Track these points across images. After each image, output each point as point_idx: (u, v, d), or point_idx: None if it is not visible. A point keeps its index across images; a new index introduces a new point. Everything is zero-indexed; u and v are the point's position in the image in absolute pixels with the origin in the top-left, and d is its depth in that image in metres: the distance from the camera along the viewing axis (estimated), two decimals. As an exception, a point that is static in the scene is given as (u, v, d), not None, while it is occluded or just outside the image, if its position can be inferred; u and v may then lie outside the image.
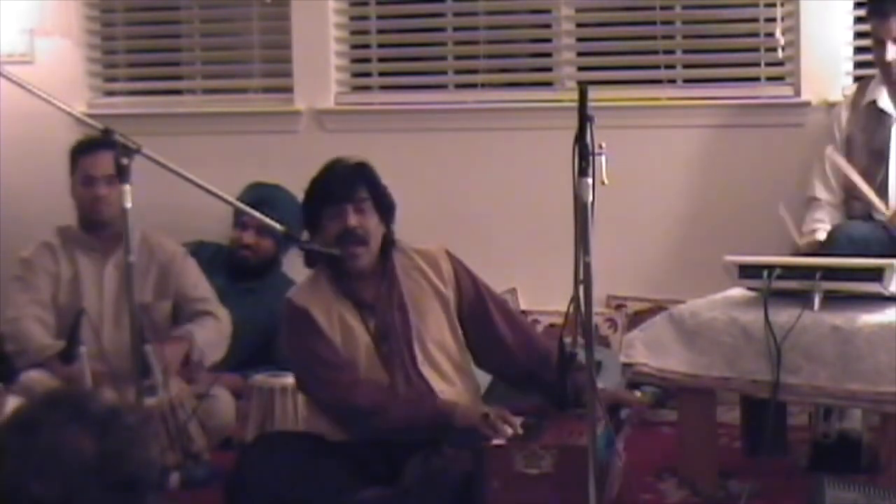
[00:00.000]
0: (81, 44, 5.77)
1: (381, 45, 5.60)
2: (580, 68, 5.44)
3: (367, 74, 5.65)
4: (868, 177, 4.51)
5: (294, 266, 4.94)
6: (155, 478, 1.80)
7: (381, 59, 5.62)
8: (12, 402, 3.71)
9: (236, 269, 5.11)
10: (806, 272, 3.77)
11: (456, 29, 5.53)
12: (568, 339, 3.34)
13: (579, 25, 5.44)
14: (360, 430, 3.58)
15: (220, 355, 4.47)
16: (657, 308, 4.76)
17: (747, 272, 3.87)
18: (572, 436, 3.39)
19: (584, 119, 2.96)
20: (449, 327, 3.72)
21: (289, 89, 5.60)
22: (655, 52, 5.32)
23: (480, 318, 3.75)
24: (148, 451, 1.81)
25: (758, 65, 5.21)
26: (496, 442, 3.41)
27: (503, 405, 3.64)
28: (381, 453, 3.55)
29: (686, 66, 5.30)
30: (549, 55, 5.52)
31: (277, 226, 3.67)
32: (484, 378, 4.01)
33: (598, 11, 5.41)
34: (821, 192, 4.60)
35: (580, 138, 2.96)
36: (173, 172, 3.50)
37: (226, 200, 3.72)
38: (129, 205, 3.39)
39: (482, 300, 3.77)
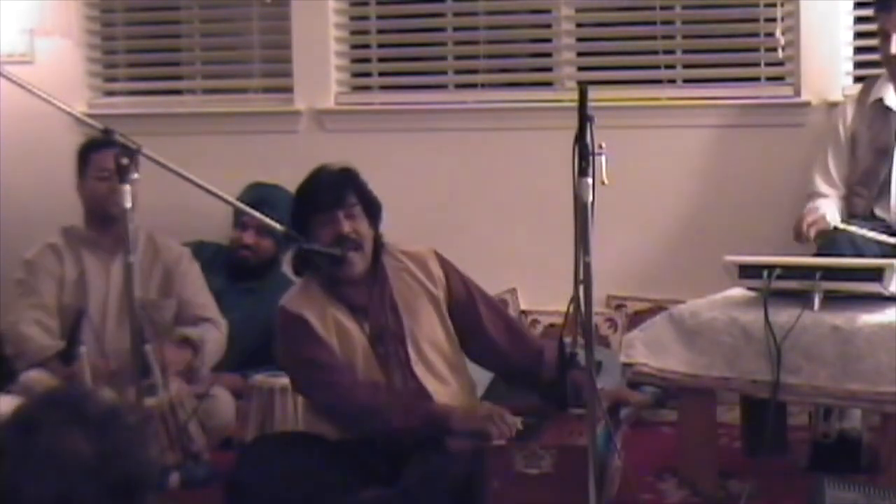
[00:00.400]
0: (81, 44, 5.77)
1: (381, 45, 5.60)
2: (580, 68, 5.44)
3: (367, 74, 5.65)
4: (872, 175, 4.51)
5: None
6: (154, 478, 1.79)
7: (381, 59, 5.62)
8: (7, 402, 3.71)
9: (236, 269, 5.11)
10: (806, 272, 3.77)
11: (456, 29, 5.53)
12: (568, 339, 3.35)
13: (579, 25, 5.44)
14: (360, 431, 3.58)
15: (215, 362, 4.47)
16: (657, 308, 4.76)
17: (747, 272, 3.87)
18: (572, 436, 3.39)
19: (584, 119, 2.96)
20: (441, 326, 3.72)
21: (289, 89, 5.60)
22: (655, 52, 5.32)
23: (471, 318, 3.75)
24: (147, 451, 1.80)
25: (758, 65, 5.21)
26: (496, 442, 3.41)
27: (503, 405, 3.64)
28: (381, 453, 3.55)
29: (686, 66, 5.30)
30: (549, 55, 5.52)
31: (277, 226, 3.67)
32: (484, 377, 4.01)
33: (598, 11, 5.41)
34: (822, 187, 4.59)
35: (580, 138, 2.96)
36: (173, 172, 3.50)
37: (226, 200, 3.71)
38: (129, 205, 3.39)
39: (472, 300, 3.77)
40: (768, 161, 5.06)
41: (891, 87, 4.53)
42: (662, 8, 5.26)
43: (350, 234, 3.63)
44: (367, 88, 5.65)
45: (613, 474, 3.50)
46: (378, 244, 3.73)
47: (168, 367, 4.09)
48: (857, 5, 5.00)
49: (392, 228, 3.82)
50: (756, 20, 5.18)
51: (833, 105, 4.89)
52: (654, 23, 5.29)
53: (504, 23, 5.51)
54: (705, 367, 3.83)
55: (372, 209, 3.72)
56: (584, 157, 2.95)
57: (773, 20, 5.14)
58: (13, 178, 5.65)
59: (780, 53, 5.14)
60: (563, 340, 3.37)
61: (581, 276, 2.98)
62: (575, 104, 2.99)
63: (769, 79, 5.20)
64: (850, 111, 4.64)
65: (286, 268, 5.14)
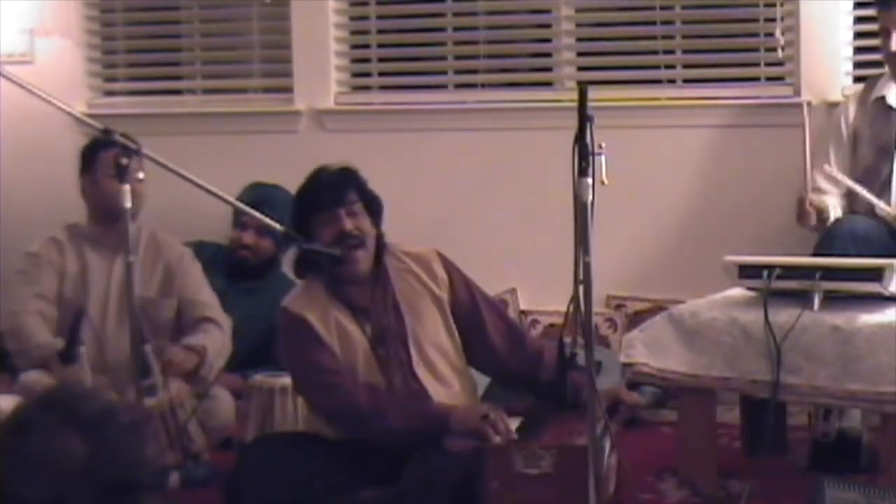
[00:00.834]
0: (81, 44, 5.77)
1: (381, 45, 5.61)
2: (580, 68, 5.45)
3: (367, 74, 5.66)
4: (874, 173, 4.52)
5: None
6: (149, 478, 1.79)
7: (381, 59, 5.62)
8: (7, 402, 3.71)
9: (236, 269, 5.11)
10: (806, 272, 3.77)
11: (456, 29, 5.53)
12: (568, 339, 3.34)
13: (579, 25, 5.45)
14: (359, 434, 3.57)
15: (222, 364, 4.46)
16: (657, 308, 4.76)
17: (747, 272, 3.87)
18: (572, 436, 3.38)
19: (584, 119, 2.96)
20: (445, 328, 3.71)
21: (289, 89, 5.60)
22: (655, 52, 5.32)
23: (473, 321, 3.74)
24: (141, 451, 1.80)
25: (758, 65, 5.22)
26: (495, 442, 3.41)
27: (502, 405, 3.64)
28: (381, 453, 3.54)
29: (686, 66, 5.31)
30: (549, 55, 5.53)
31: (277, 226, 3.67)
32: (483, 378, 4.01)
33: (598, 11, 5.42)
34: (823, 183, 4.59)
35: (580, 138, 2.96)
36: (173, 172, 3.50)
37: (226, 200, 3.71)
38: (129, 205, 3.39)
39: (475, 303, 3.75)
40: (768, 161, 5.05)
41: (892, 86, 4.54)
42: (662, 8, 5.27)
43: (353, 232, 3.62)
44: (367, 88, 5.65)
45: (608, 473, 3.49)
46: (380, 244, 3.72)
47: (172, 368, 4.08)
48: (857, 5, 5.00)
49: (392, 228, 3.81)
50: (756, 20, 5.18)
51: (833, 105, 4.89)
52: (654, 23, 5.29)
53: (504, 23, 5.52)
54: (705, 367, 3.83)
55: (373, 207, 3.71)
56: (584, 157, 2.95)
57: (773, 20, 5.14)
58: (13, 178, 5.65)
59: (779, 53, 5.15)
60: (563, 340, 3.37)
61: (581, 276, 2.98)
62: (575, 104, 2.99)
63: (769, 79, 5.20)
64: (852, 109, 4.64)
65: (286, 268, 5.15)
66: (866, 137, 4.57)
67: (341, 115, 5.56)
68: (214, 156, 5.36)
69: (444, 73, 5.55)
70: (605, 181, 2.97)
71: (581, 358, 3.16)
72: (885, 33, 4.47)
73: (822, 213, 4.43)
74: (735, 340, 3.78)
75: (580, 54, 5.47)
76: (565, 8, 5.39)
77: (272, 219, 3.71)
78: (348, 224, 3.62)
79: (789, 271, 3.80)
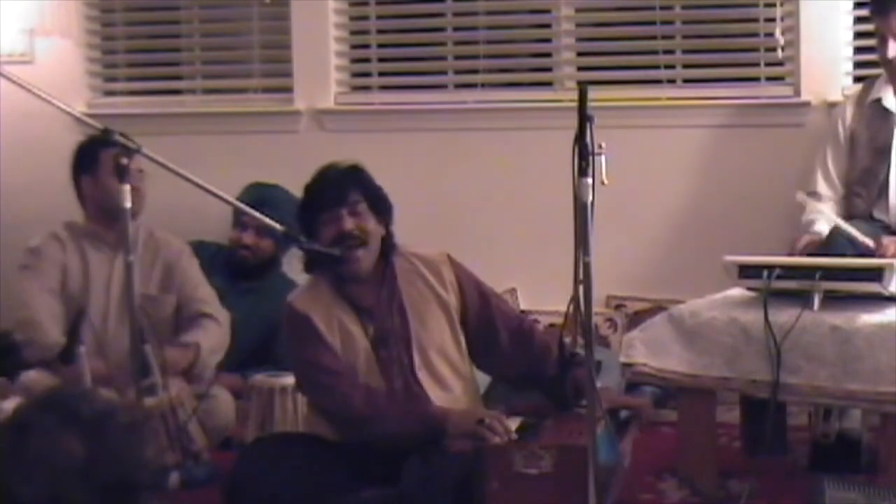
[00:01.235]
0: (81, 44, 5.77)
1: (381, 45, 5.60)
2: (580, 68, 5.45)
3: (367, 74, 5.65)
4: (871, 175, 4.51)
5: (294, 266, 4.94)
6: (147, 478, 1.79)
7: (381, 59, 5.62)
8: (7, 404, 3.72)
9: (236, 269, 5.11)
10: (806, 272, 3.77)
11: (456, 29, 5.53)
12: (568, 340, 3.34)
13: (579, 25, 5.44)
14: (357, 436, 3.57)
15: (219, 359, 4.46)
16: (657, 308, 4.75)
17: (747, 272, 3.87)
18: (572, 436, 3.38)
19: (584, 119, 2.96)
20: (450, 333, 3.70)
21: (289, 89, 5.60)
22: (655, 52, 5.32)
23: (484, 325, 3.73)
24: (140, 452, 1.80)
25: (758, 65, 5.22)
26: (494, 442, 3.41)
27: (503, 405, 3.64)
28: (381, 454, 3.54)
29: (686, 66, 5.30)
30: (548, 55, 5.52)
31: (277, 226, 3.67)
32: (483, 379, 4.00)
33: (598, 11, 5.41)
34: (822, 188, 4.59)
35: (580, 138, 2.96)
36: (173, 172, 3.50)
37: (226, 200, 3.71)
38: (129, 205, 3.39)
39: (487, 306, 3.74)
40: (768, 161, 5.06)
41: (889, 88, 4.54)
42: (662, 8, 5.27)
43: (353, 231, 3.62)
44: (366, 88, 5.65)
45: (617, 479, 3.49)
46: (388, 243, 3.72)
47: (169, 368, 4.08)
48: (857, 5, 5.00)
49: (391, 228, 3.81)
50: (756, 20, 5.18)
51: (833, 105, 4.89)
52: (654, 23, 5.29)
53: (504, 23, 5.51)
54: (705, 367, 3.83)
55: (379, 206, 3.70)
56: (584, 157, 2.95)
57: (773, 20, 5.14)
58: (13, 177, 5.65)
59: (779, 53, 5.14)
60: (563, 340, 3.37)
61: (581, 276, 2.98)
62: (575, 104, 2.99)
63: (769, 79, 5.20)
64: (849, 111, 4.64)
65: (286, 268, 5.16)
66: (863, 140, 4.57)
67: (341, 115, 5.56)
68: (214, 156, 5.36)
69: (444, 73, 5.54)
70: (605, 181, 2.97)
71: (581, 357, 3.16)
72: (880, 39, 4.48)
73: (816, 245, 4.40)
74: (735, 340, 3.78)
75: (580, 54, 5.47)
76: (565, 8, 5.39)
77: (272, 219, 3.71)
78: (349, 224, 3.62)
79: (789, 271, 3.80)
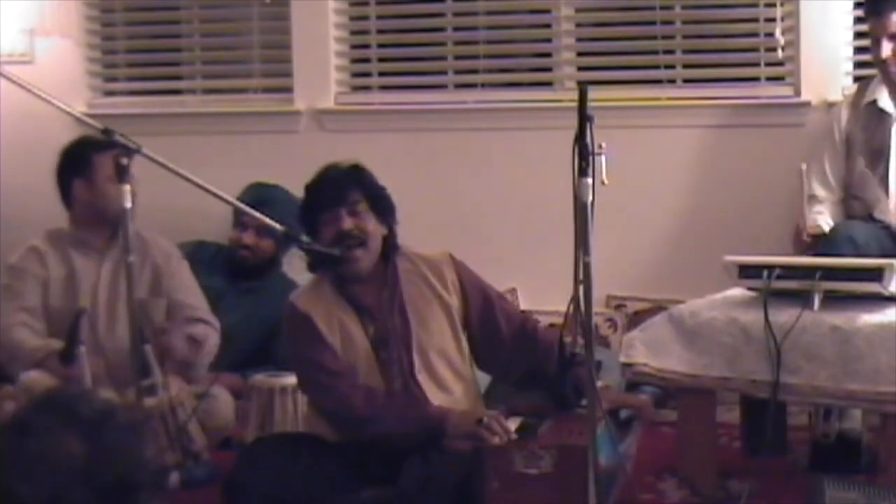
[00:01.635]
0: (81, 44, 5.77)
1: (381, 45, 5.61)
2: (580, 68, 5.45)
3: (367, 74, 5.66)
4: (868, 176, 4.52)
5: (294, 266, 4.94)
6: (147, 479, 1.79)
7: (381, 59, 5.62)
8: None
9: (236, 269, 5.11)
10: (806, 272, 3.77)
11: (456, 29, 5.53)
12: (568, 340, 3.34)
13: (579, 25, 5.45)
14: (357, 436, 3.57)
15: (209, 363, 4.43)
16: (657, 308, 4.75)
17: (747, 272, 3.87)
18: (572, 436, 3.38)
19: (584, 119, 2.96)
20: (451, 334, 3.69)
21: (289, 89, 5.60)
22: (655, 52, 5.32)
23: (487, 326, 3.73)
24: (140, 452, 1.80)
25: (758, 65, 5.22)
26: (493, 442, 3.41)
27: (503, 405, 3.63)
28: (381, 454, 3.54)
29: (686, 66, 5.31)
30: (549, 55, 5.52)
31: (277, 226, 3.67)
32: (483, 379, 4.00)
33: (598, 11, 5.42)
34: (819, 191, 4.60)
35: (580, 138, 2.96)
36: (173, 172, 3.50)
37: (226, 200, 3.71)
38: (129, 205, 3.39)
39: (490, 307, 3.74)
40: (768, 161, 5.06)
41: (884, 90, 4.54)
42: (662, 8, 5.27)
43: (352, 231, 3.62)
44: (366, 88, 5.65)
45: (619, 481, 3.49)
46: (391, 244, 3.72)
47: (171, 355, 4.07)
48: (857, 5, 4.99)
49: (394, 228, 3.81)
50: (756, 20, 5.18)
51: (833, 105, 4.89)
52: (654, 23, 5.29)
53: (504, 23, 5.52)
54: (705, 367, 3.83)
55: (380, 206, 3.70)
56: (584, 157, 2.95)
57: (773, 20, 5.14)
58: (13, 177, 5.65)
59: (779, 53, 5.15)
60: (563, 340, 3.37)
61: (581, 276, 2.98)
62: (575, 104, 2.99)
63: (769, 79, 5.20)
64: (844, 113, 4.65)
65: (286, 268, 5.16)
66: (859, 141, 4.57)
67: (341, 115, 5.56)
68: (214, 156, 5.36)
69: (443, 73, 5.55)
70: (605, 181, 2.97)
71: (581, 358, 3.16)
72: (875, 40, 4.48)
73: (818, 238, 4.41)
74: (735, 340, 3.78)
75: (580, 54, 5.47)
76: (565, 8, 5.39)
77: (272, 219, 3.71)
78: (348, 223, 3.62)
79: (789, 271, 3.79)
